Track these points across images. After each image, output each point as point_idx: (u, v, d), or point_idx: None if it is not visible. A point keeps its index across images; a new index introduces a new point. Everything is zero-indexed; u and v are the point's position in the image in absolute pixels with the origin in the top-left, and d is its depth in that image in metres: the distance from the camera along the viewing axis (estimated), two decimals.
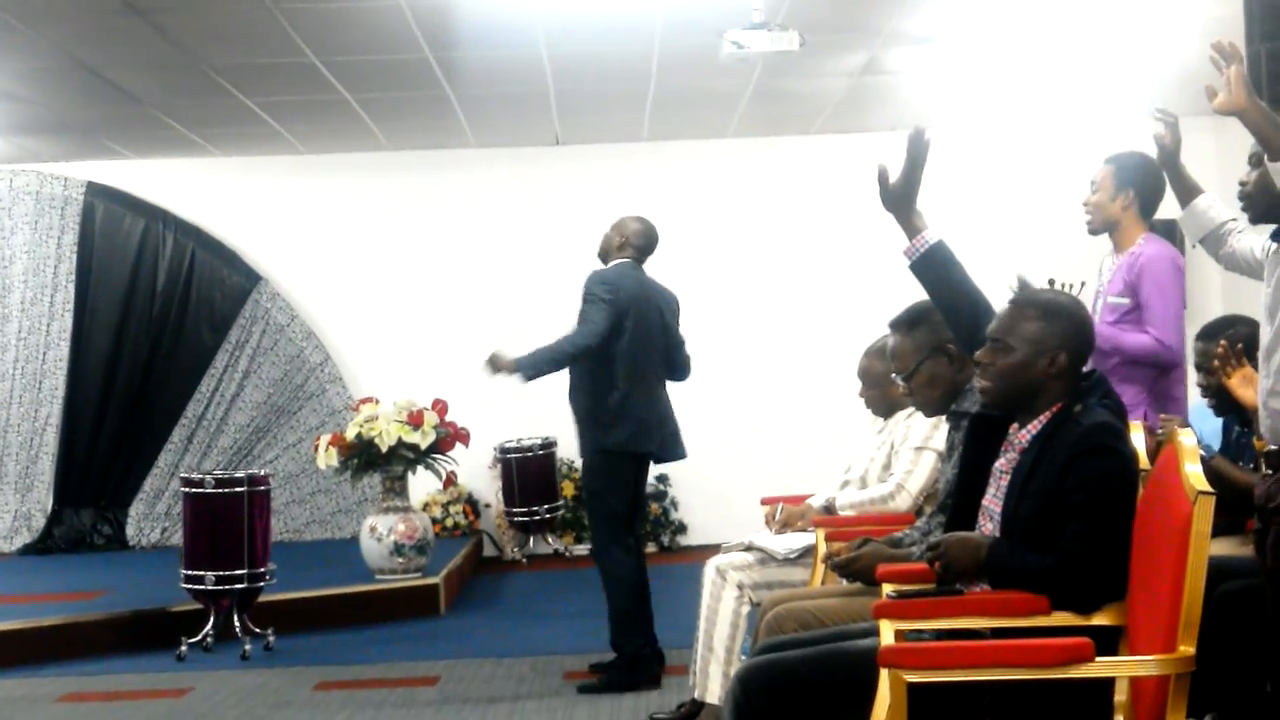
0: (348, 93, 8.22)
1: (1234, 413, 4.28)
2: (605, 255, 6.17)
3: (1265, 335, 3.41)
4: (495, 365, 5.95)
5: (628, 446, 6.01)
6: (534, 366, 5.92)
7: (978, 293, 3.74)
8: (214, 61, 7.42)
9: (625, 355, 5.98)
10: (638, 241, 6.15)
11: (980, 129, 9.70)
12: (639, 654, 5.98)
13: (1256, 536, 3.45)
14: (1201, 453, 3.14)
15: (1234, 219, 4.09)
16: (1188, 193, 4.38)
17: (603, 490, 6.02)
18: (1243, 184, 3.57)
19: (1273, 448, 3.40)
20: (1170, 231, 8.77)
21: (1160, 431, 3.95)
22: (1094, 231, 4.98)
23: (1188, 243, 4.28)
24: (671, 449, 6.17)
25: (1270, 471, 3.40)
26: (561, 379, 6.15)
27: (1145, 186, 4.88)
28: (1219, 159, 9.62)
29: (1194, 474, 2.88)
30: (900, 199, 3.75)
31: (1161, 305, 4.70)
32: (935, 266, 3.73)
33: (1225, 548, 4.16)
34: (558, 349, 5.93)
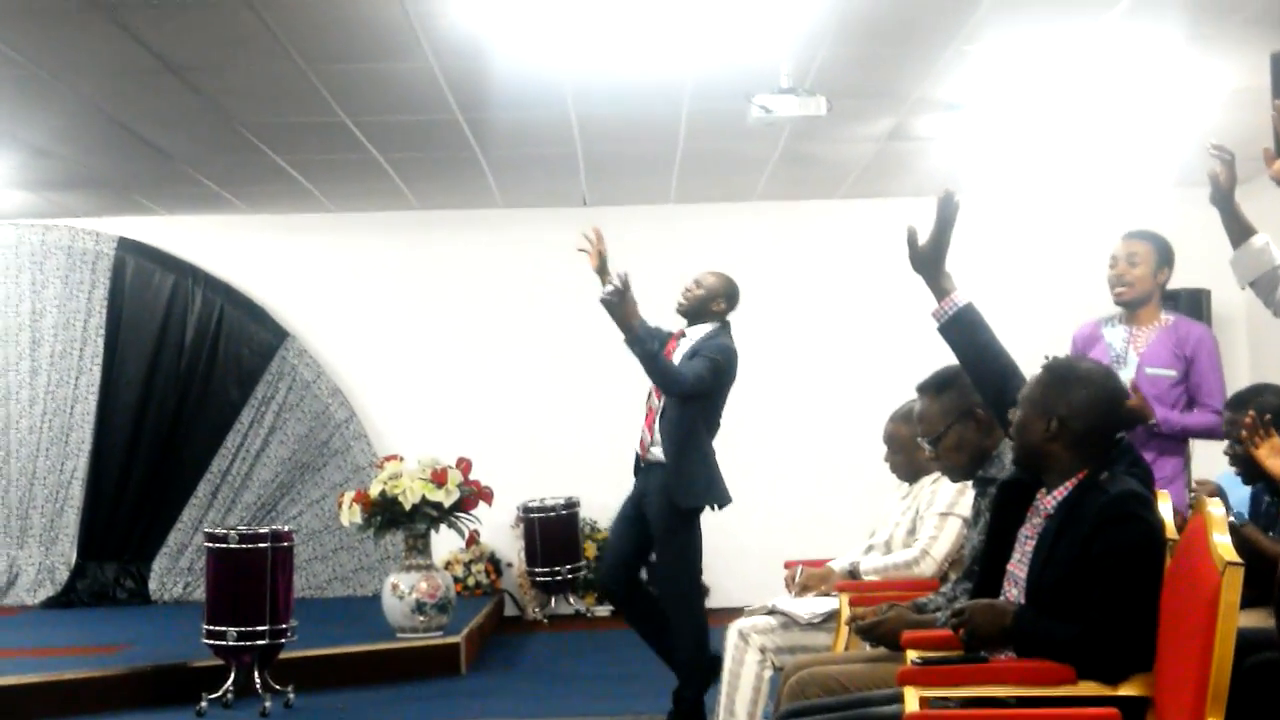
0: (378, 152, 8.29)
1: (1262, 481, 4.25)
2: (698, 314, 6.17)
3: None
4: (618, 306, 5.86)
5: (724, 499, 6.14)
6: (642, 345, 5.90)
7: (1005, 355, 3.74)
8: (246, 119, 7.50)
9: (718, 418, 6.13)
10: (733, 304, 6.22)
11: (1007, 195, 9.71)
12: (698, 699, 5.99)
13: (1276, 607, 3.41)
14: (1232, 520, 3.12)
15: None
16: (1242, 232, 4.39)
17: (696, 542, 6.11)
18: None
19: None
20: (1196, 303, 8.79)
21: (1192, 495, 3.94)
22: (1128, 303, 5.15)
23: (1237, 285, 4.32)
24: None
25: None
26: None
27: (1173, 266, 5.08)
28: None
29: (1223, 544, 2.87)
30: (929, 261, 3.76)
31: (1217, 381, 5.01)
32: (964, 329, 3.73)
33: (1254, 619, 4.12)
34: (665, 362, 5.96)
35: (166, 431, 10.05)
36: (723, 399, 6.13)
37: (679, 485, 6.00)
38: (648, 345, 5.90)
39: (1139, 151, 8.47)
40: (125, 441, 10.02)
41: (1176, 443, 5.01)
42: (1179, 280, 9.30)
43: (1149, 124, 7.75)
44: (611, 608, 9.73)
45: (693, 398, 5.96)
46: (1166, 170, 9.08)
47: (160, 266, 10.16)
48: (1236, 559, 2.81)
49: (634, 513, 6.18)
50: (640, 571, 6.35)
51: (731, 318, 6.23)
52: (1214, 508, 2.99)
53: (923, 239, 3.78)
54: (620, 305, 5.83)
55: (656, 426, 6.07)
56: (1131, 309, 5.16)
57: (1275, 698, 3.44)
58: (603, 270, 6.15)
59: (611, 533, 6.44)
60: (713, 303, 6.14)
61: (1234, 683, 2.80)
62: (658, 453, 6.07)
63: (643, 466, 6.19)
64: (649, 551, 6.24)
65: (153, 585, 9.96)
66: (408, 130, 7.81)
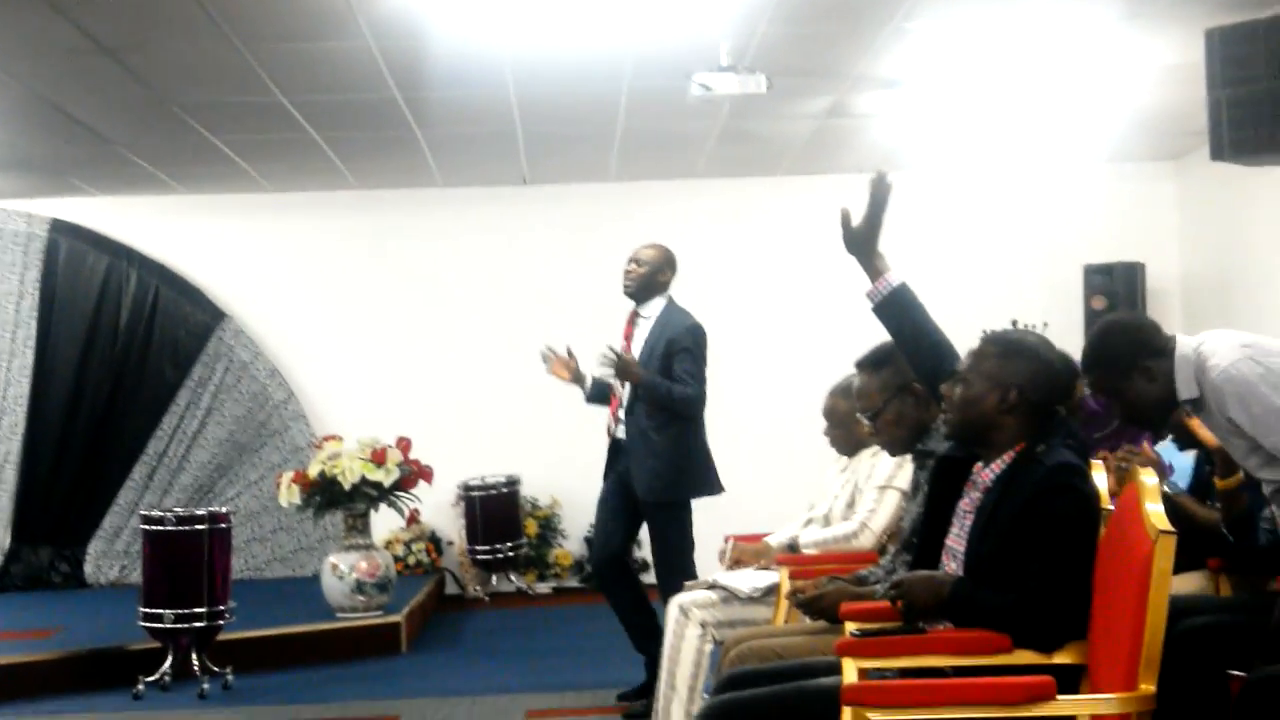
0: (315, 132, 8.22)
1: (1198, 449, 4.31)
2: (648, 289, 6.16)
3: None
4: (625, 370, 5.96)
5: (715, 489, 6.16)
6: (650, 388, 5.97)
7: (939, 334, 3.78)
8: (181, 100, 7.41)
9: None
10: (675, 270, 6.22)
11: (946, 172, 9.77)
12: None
13: None
14: (1165, 489, 3.17)
15: None
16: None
17: (688, 531, 6.13)
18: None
19: None
20: (1130, 277, 8.89)
21: (1124, 465, 3.98)
22: None
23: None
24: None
25: None
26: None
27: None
28: (1181, 202, 9.74)
29: (1155, 513, 2.91)
30: (863, 242, 3.79)
31: None
32: (898, 309, 3.77)
33: (1186, 584, 4.20)
34: (668, 393, 5.97)
35: (101, 414, 9.94)
36: None
37: (670, 476, 6.03)
38: (656, 387, 5.97)
39: (1073, 127, 8.55)
40: (59, 424, 9.89)
41: None
42: (1113, 254, 9.52)
43: (1083, 100, 7.82)
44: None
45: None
46: (1100, 146, 9.18)
47: (94, 248, 10.03)
48: (1169, 528, 2.85)
49: (619, 497, 6.17)
50: (630, 554, 6.43)
51: (673, 291, 6.25)
52: (1146, 477, 3.03)
53: (856, 220, 3.81)
54: (624, 371, 5.96)
55: (621, 411, 6.11)
56: None
57: (1205, 662, 3.50)
58: (578, 378, 6.25)
59: (599, 516, 6.35)
60: (658, 275, 6.15)
61: (1165, 648, 2.85)
62: (621, 432, 6.12)
63: (615, 447, 6.21)
64: (637, 534, 6.32)
65: (88, 569, 9.86)
66: (345, 110, 7.75)
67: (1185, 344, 3.62)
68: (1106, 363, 3.69)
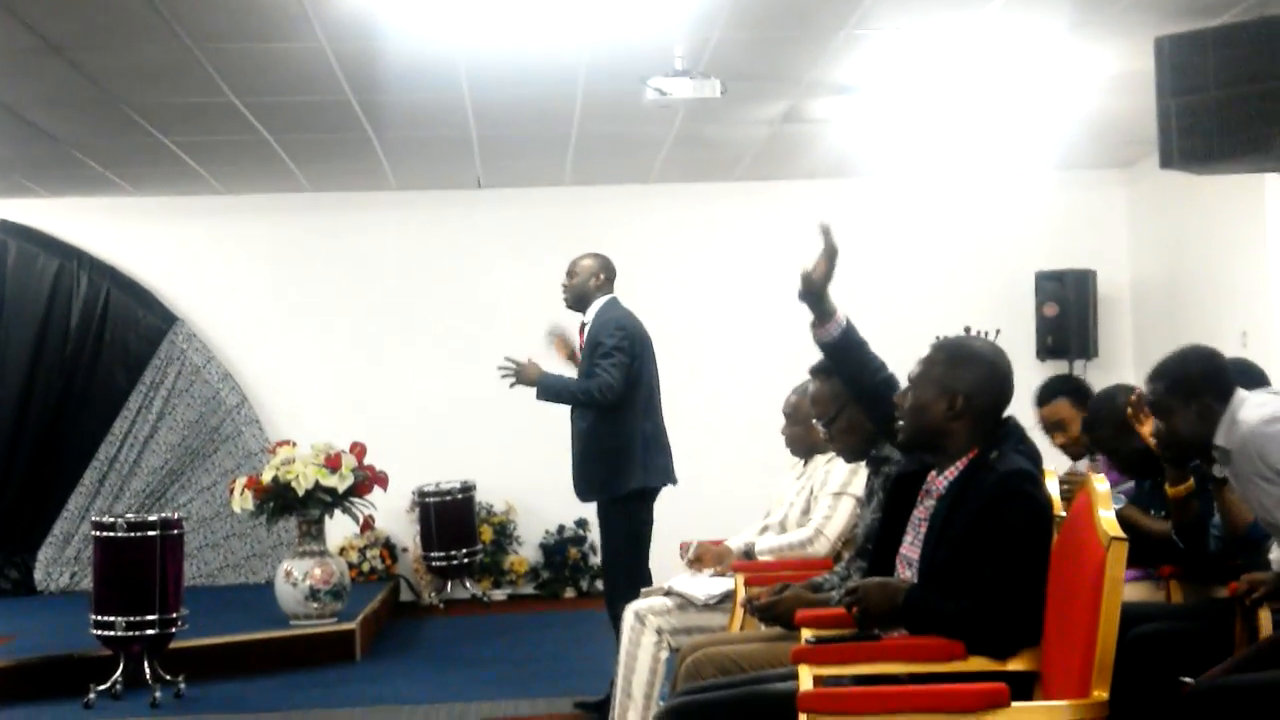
0: (268, 134, 8.17)
1: (1149, 475, 4.38)
2: (582, 299, 6.19)
3: None
4: (522, 375, 5.98)
5: (657, 481, 6.08)
6: (553, 393, 5.99)
7: (884, 369, 3.92)
8: (133, 100, 7.35)
9: (645, 393, 6.09)
10: (609, 275, 6.24)
11: (899, 178, 9.81)
12: None
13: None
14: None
15: None
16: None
17: (636, 532, 6.04)
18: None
19: None
20: (1082, 284, 8.91)
21: (1068, 485, 4.03)
22: None
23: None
24: (672, 476, 6.24)
25: None
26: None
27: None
28: (1131, 209, 9.82)
29: (1107, 520, 2.93)
30: (819, 288, 3.88)
31: None
32: (848, 347, 3.91)
33: (1136, 591, 4.24)
34: (577, 390, 5.97)
35: (51, 418, 9.83)
36: (647, 372, 6.14)
37: (585, 476, 6.05)
38: (552, 385, 5.99)
39: (1025, 135, 8.61)
40: (8, 429, 9.78)
41: None
42: (1064, 261, 9.59)
43: (1034, 108, 7.88)
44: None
45: (625, 395, 5.98)
46: (1051, 153, 9.24)
47: (44, 250, 9.93)
48: (1121, 534, 2.87)
49: None
50: None
51: (621, 298, 6.25)
52: (1098, 484, 3.06)
53: (815, 270, 3.89)
54: (522, 378, 5.99)
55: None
56: None
57: (1157, 668, 3.53)
58: (572, 356, 6.28)
59: None
60: (590, 282, 6.19)
61: (1118, 655, 2.87)
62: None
63: None
64: None
65: (38, 575, 9.75)
66: (299, 111, 7.71)
67: (1238, 396, 3.65)
68: (1176, 380, 3.71)
